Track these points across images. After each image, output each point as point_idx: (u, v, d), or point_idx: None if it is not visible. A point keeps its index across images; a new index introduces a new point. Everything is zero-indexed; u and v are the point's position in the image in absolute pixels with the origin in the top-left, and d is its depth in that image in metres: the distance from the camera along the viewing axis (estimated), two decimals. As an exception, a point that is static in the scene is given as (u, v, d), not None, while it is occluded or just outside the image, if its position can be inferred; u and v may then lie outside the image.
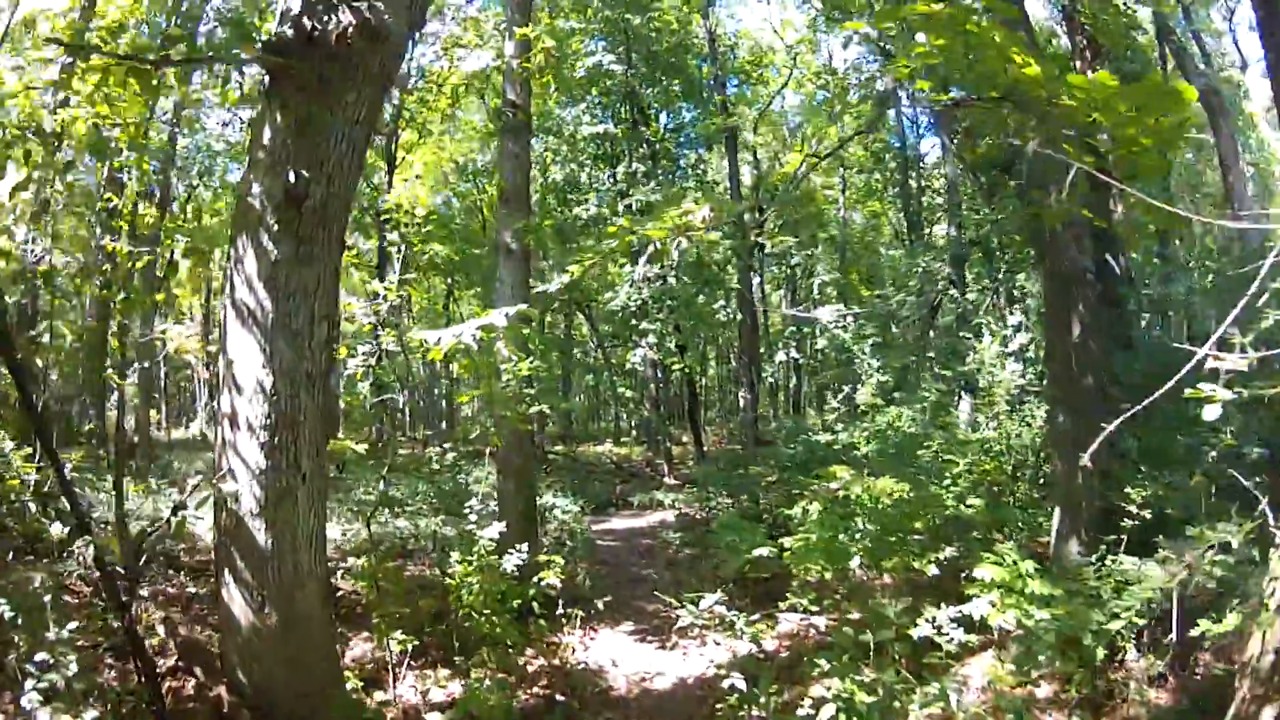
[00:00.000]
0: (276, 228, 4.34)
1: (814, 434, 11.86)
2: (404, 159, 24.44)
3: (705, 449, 22.50)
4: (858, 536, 7.03)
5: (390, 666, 6.13)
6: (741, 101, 23.37)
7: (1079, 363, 7.57)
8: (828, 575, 6.63)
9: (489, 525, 6.90)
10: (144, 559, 5.45)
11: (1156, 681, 5.74)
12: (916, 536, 7.91)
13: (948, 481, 9.42)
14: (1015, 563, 6.46)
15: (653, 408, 22.41)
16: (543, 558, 7.18)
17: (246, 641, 4.51)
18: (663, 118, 22.21)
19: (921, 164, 22.72)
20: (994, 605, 6.20)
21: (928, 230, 21.15)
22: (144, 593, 6.05)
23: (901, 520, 7.49)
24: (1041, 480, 10.34)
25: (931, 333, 14.93)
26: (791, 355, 21.77)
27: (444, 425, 28.33)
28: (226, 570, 4.39)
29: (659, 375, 21.83)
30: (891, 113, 23.56)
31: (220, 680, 4.68)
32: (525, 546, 6.97)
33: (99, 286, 6.67)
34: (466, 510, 7.29)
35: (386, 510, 13.05)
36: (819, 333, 21.70)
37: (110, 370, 9.27)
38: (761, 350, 23.03)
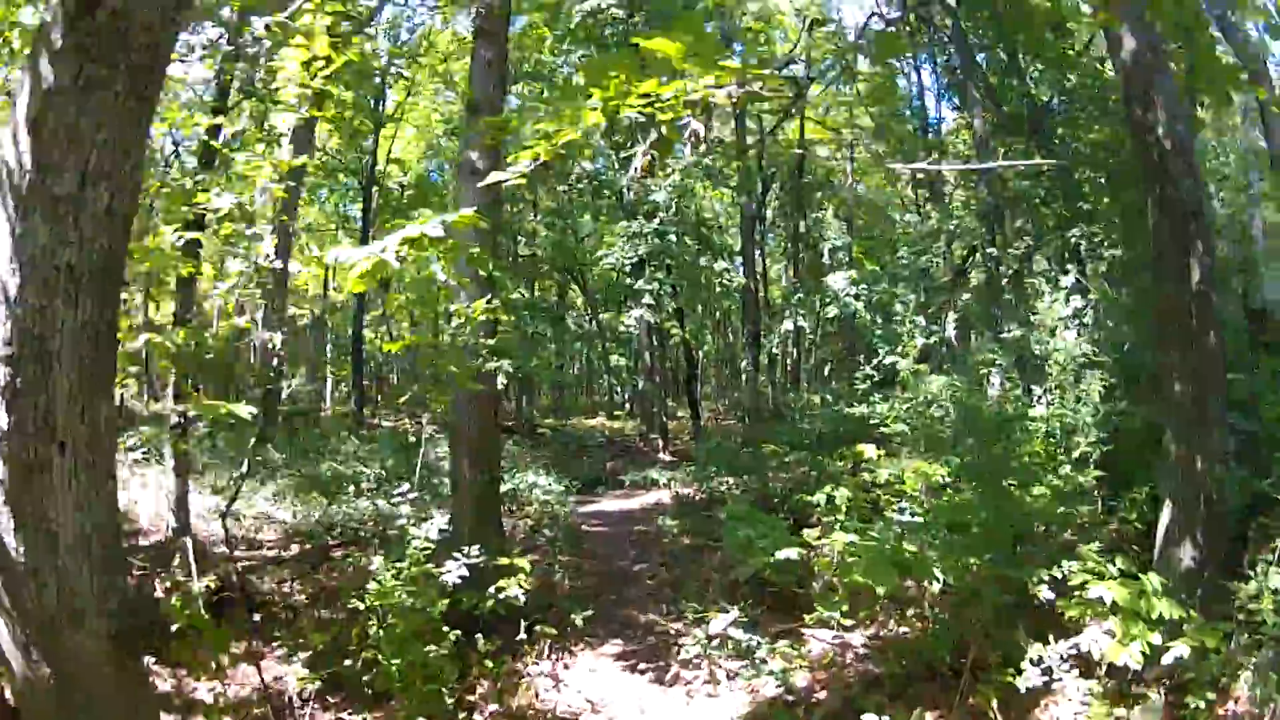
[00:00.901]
0: (60, 44, 2.64)
1: (842, 406, 10.17)
2: (393, 120, 22.79)
3: (703, 423, 20.82)
4: (936, 541, 5.35)
5: (287, 709, 4.46)
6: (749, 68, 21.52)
7: (1199, 318, 5.90)
8: (880, 590, 4.96)
9: (432, 518, 5.19)
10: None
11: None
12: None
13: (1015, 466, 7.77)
14: (1134, 576, 4.81)
15: (648, 378, 20.71)
16: (504, 561, 5.49)
17: (28, 695, 2.88)
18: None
19: (938, 128, 21.04)
20: (1113, 636, 4.57)
21: (950, 193, 19.35)
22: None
23: (975, 517, 5.83)
24: (1092, 464, 8.73)
25: (963, 295, 13.17)
26: (799, 324, 19.97)
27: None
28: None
29: (655, 344, 20.12)
30: (903, 80, 22.10)
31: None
32: (480, 546, 5.29)
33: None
34: (396, 500, 5.58)
35: (352, 487, 11.44)
36: (826, 302, 20.00)
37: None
38: (763, 322, 21.37)
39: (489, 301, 5.41)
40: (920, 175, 24.45)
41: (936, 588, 5.17)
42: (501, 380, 20.54)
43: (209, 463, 11.46)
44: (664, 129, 3.81)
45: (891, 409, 8.69)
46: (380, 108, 23.88)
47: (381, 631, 4.51)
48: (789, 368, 27.33)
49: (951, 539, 5.84)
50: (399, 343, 5.20)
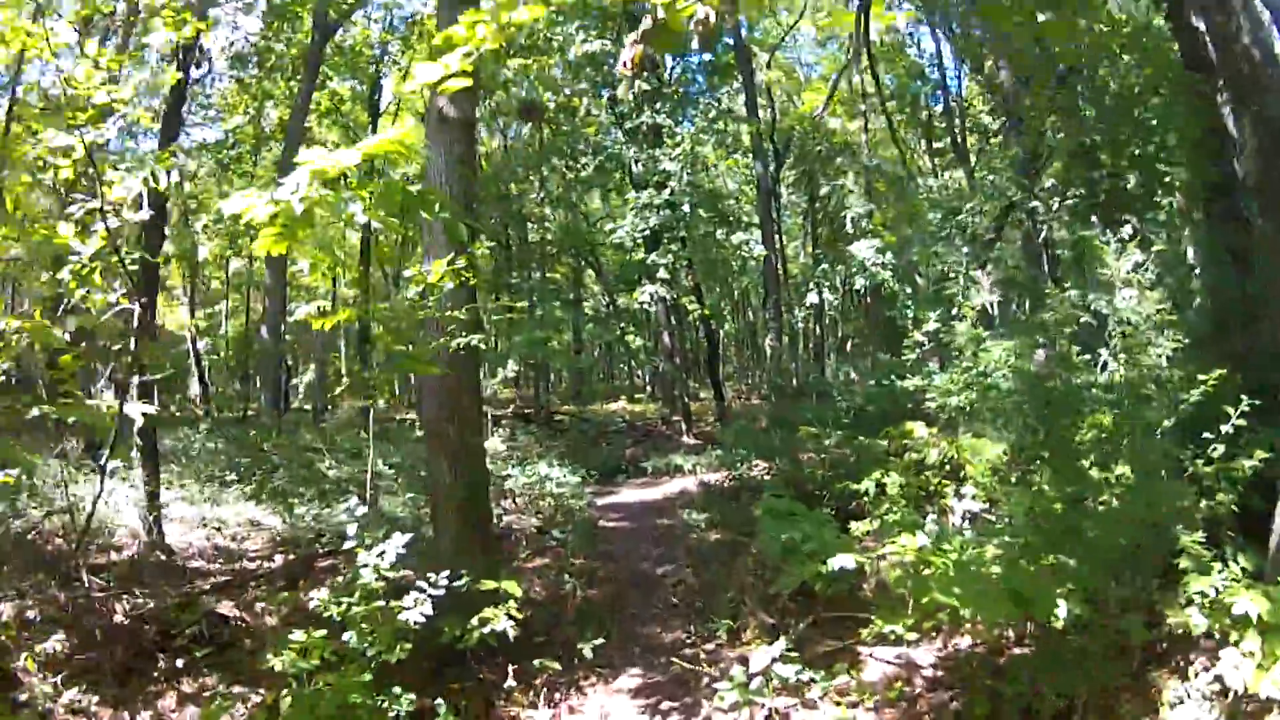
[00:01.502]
0: None
1: (891, 379, 9.07)
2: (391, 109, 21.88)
3: (726, 404, 19.79)
4: (1025, 548, 4.35)
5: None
6: (753, 43, 20.46)
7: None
8: (971, 618, 3.96)
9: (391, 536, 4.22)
10: None
11: None
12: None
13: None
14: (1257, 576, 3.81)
15: (667, 359, 19.70)
16: (489, 585, 4.52)
17: None
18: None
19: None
20: (1253, 658, 3.57)
21: (976, 156, 18.14)
22: None
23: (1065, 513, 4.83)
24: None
25: (998, 256, 12.00)
26: (825, 296, 18.83)
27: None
28: None
29: (673, 323, 19.07)
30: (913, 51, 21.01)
31: None
32: (467, 565, 4.34)
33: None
34: (344, 515, 4.63)
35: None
36: (852, 273, 18.90)
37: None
38: (784, 298, 20.22)
39: (451, 262, 4.43)
40: (938, 144, 23.46)
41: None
42: (513, 367, 19.82)
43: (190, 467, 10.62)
44: (660, 9, 2.81)
45: (953, 380, 7.63)
46: (376, 97, 23.11)
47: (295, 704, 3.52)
48: (810, 344, 26.20)
49: (1057, 558, 4.81)
50: (332, 317, 4.20)
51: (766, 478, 10.21)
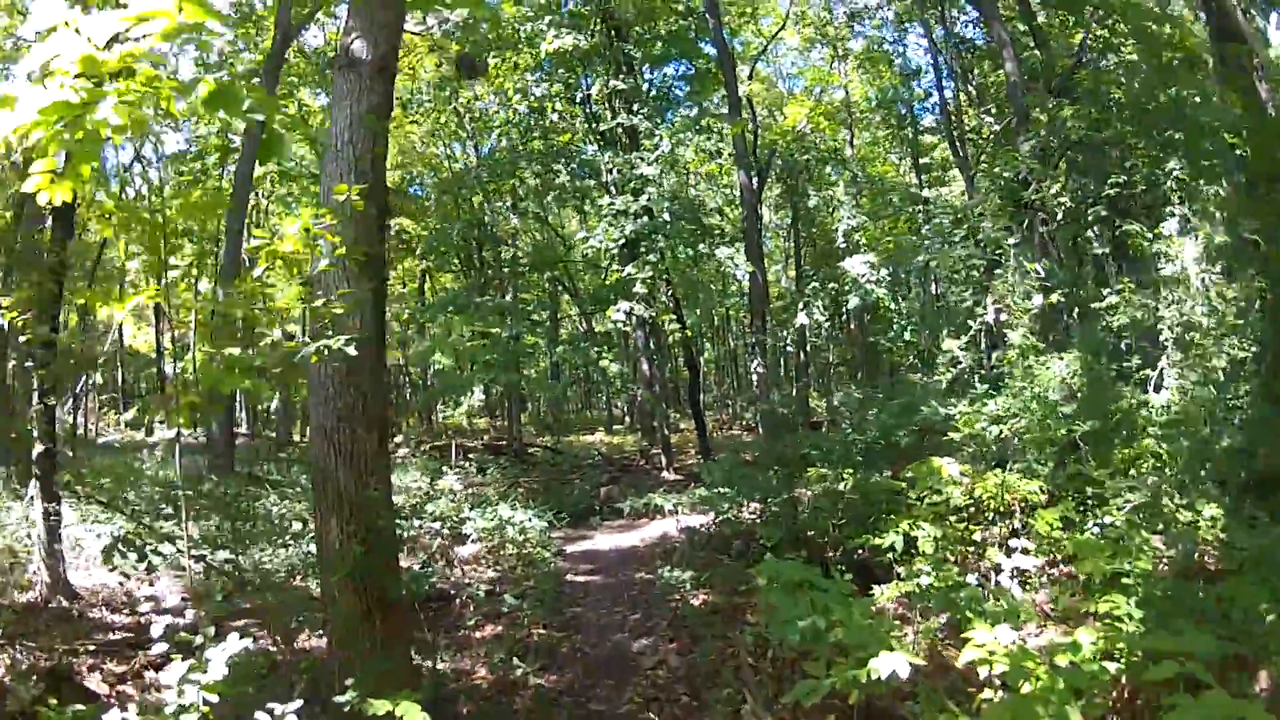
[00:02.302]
0: None
1: (913, 404, 7.66)
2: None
3: (708, 435, 18.35)
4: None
5: None
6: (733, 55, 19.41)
7: None
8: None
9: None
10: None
11: None
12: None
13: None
14: None
15: (646, 387, 18.27)
16: (378, 708, 3.05)
17: None
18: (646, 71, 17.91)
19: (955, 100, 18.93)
20: None
21: (981, 157, 16.96)
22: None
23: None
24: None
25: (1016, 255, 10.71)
26: (816, 316, 17.50)
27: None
28: None
29: (651, 347, 17.66)
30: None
31: None
32: (361, 664, 2.91)
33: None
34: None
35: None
36: (845, 291, 17.65)
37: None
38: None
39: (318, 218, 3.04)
40: (923, 157, 22.50)
41: None
42: (479, 396, 18.34)
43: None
44: None
45: (1007, 404, 6.28)
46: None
47: None
48: (793, 370, 24.81)
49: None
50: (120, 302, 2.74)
51: (758, 520, 8.82)
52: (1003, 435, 6.35)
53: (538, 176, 16.25)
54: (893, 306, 17.92)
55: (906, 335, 19.99)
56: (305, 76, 19.40)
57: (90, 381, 27.62)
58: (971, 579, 5.76)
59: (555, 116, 16.81)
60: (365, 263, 3.98)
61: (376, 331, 4.10)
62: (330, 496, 3.98)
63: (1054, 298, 8.56)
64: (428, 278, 26.38)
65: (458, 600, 7.18)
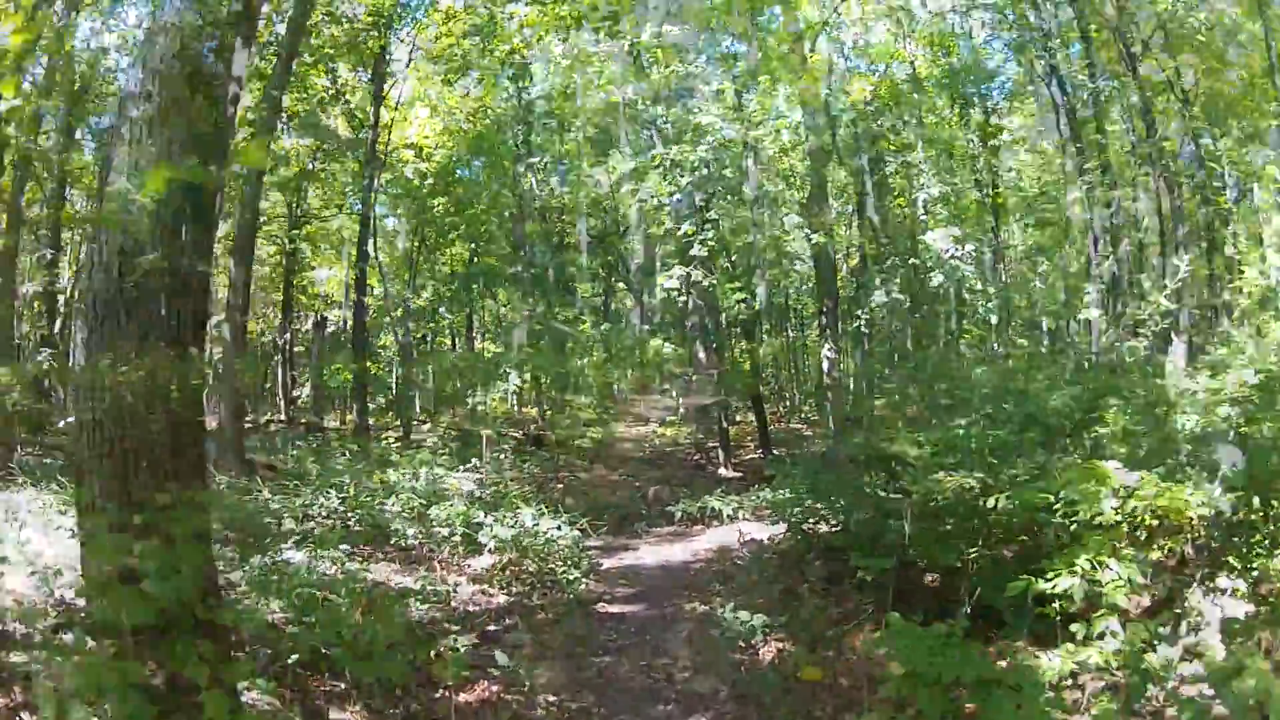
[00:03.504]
0: None
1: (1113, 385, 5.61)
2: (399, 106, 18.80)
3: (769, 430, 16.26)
4: None
5: None
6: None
7: None
8: None
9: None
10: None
11: None
12: None
13: None
14: None
15: (703, 373, 16.39)
16: None
17: None
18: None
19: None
20: None
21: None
22: None
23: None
24: None
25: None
26: (894, 294, 15.30)
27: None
28: None
29: (709, 328, 15.67)
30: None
31: None
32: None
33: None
34: None
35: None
36: (928, 268, 15.66)
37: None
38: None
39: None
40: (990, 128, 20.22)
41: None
42: (515, 382, 16.56)
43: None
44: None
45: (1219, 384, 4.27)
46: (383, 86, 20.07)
47: None
48: (860, 358, 22.47)
49: None
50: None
51: (838, 531, 6.85)
52: (1230, 420, 4.34)
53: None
54: (979, 286, 16.19)
55: (993, 317, 17.77)
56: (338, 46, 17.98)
57: None
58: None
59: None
60: None
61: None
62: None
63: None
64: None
65: (444, 645, 5.26)
